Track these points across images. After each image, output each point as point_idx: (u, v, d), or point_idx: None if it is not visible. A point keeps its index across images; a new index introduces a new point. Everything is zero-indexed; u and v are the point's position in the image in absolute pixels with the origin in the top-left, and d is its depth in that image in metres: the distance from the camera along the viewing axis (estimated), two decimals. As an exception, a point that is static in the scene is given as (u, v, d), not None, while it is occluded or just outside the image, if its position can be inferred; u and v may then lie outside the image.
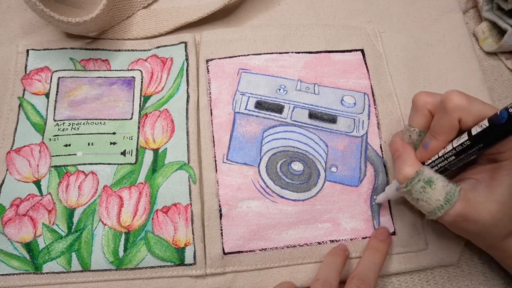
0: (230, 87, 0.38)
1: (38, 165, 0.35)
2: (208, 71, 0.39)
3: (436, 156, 0.29)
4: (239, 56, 0.40)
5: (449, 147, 0.28)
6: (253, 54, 0.40)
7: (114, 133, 0.37)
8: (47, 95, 0.38)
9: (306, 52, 0.40)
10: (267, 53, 0.40)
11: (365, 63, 0.40)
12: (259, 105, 0.38)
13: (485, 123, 0.26)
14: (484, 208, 0.27)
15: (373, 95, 0.39)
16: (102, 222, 0.34)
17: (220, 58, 0.40)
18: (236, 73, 0.39)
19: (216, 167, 0.36)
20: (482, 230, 0.28)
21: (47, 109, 0.38)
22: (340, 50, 0.40)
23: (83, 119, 0.37)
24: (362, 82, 0.39)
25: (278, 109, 0.38)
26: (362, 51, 0.40)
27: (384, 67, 0.40)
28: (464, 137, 0.27)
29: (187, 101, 0.38)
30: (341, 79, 0.39)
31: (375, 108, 0.38)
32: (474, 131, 0.27)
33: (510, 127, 0.25)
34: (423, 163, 0.30)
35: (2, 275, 0.32)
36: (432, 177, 0.28)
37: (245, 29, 0.41)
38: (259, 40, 0.40)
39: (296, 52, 0.40)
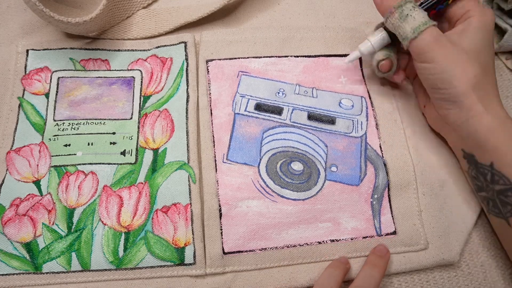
0: (230, 89, 0.39)
1: (38, 165, 0.35)
2: (208, 71, 0.39)
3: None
4: (239, 58, 0.40)
5: None
6: (253, 57, 0.40)
7: (114, 133, 0.37)
8: (47, 95, 0.38)
9: (305, 56, 0.40)
10: (267, 57, 0.40)
11: (361, 69, 0.40)
12: (259, 107, 0.38)
13: None
14: (456, 40, 0.32)
15: (370, 98, 0.39)
16: (102, 222, 0.34)
17: (220, 59, 0.40)
18: (236, 75, 0.39)
19: (216, 167, 0.36)
20: (452, 64, 0.31)
21: (47, 109, 0.38)
22: (338, 54, 0.41)
23: (83, 119, 0.37)
24: (359, 86, 0.39)
25: (278, 111, 0.38)
26: None
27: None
28: None
29: (187, 101, 0.38)
30: (338, 84, 0.39)
31: (373, 110, 0.38)
32: None
33: None
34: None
35: (2, 275, 0.32)
36: (416, 5, 0.33)
37: (245, 31, 0.41)
38: (259, 43, 0.41)
39: (295, 56, 0.40)
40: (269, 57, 0.40)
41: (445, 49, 0.31)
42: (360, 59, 0.41)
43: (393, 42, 0.36)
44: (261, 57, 0.40)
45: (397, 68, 0.37)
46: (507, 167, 0.30)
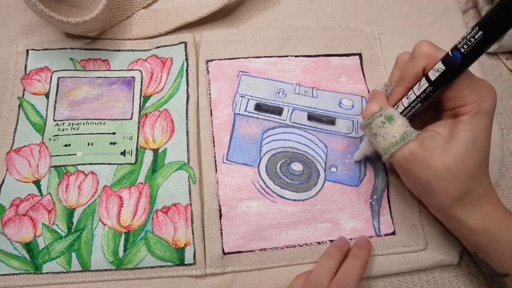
0: (230, 89, 0.38)
1: (38, 165, 0.35)
2: (208, 71, 0.39)
3: (403, 107, 0.30)
4: (239, 58, 0.40)
5: (413, 96, 0.29)
6: (253, 57, 0.40)
7: (114, 133, 0.37)
8: (47, 95, 0.38)
9: (305, 56, 0.40)
10: (267, 56, 0.40)
11: (362, 69, 0.40)
12: (259, 107, 0.38)
13: (441, 67, 0.27)
14: (438, 157, 0.28)
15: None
16: (102, 222, 0.34)
17: (220, 59, 0.40)
18: (236, 75, 0.39)
19: (216, 167, 0.36)
20: (433, 182, 0.28)
21: (47, 109, 0.37)
22: (339, 54, 0.41)
23: (83, 119, 0.37)
24: (359, 86, 0.39)
25: (278, 111, 0.38)
26: (360, 55, 0.41)
27: (382, 70, 0.40)
28: (424, 83, 0.28)
29: (187, 101, 0.38)
30: (338, 84, 0.39)
31: (373, 109, 0.38)
32: (433, 76, 0.27)
33: (465, 65, 0.26)
34: None
35: (2, 275, 0.32)
36: (394, 115, 0.29)
37: (246, 31, 0.41)
38: (259, 43, 0.41)
39: (295, 56, 0.40)
40: (269, 57, 0.40)
41: (424, 168, 0.28)
42: (360, 56, 0.40)
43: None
44: (261, 57, 0.40)
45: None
46: (490, 259, 0.30)
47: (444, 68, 0.27)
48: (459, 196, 0.28)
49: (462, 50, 0.26)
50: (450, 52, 0.26)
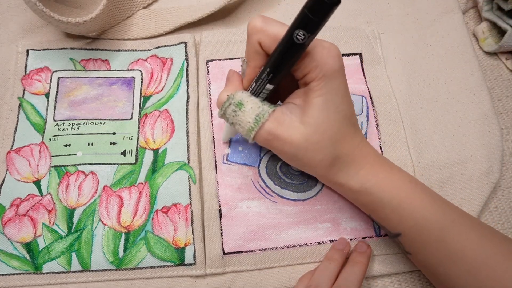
0: None
1: (38, 165, 0.35)
2: (208, 72, 0.39)
3: (254, 85, 0.29)
4: (239, 58, 0.40)
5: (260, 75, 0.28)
6: None
7: (114, 133, 0.37)
8: (47, 95, 0.38)
9: None
10: None
11: (362, 68, 0.40)
12: None
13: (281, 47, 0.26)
14: (297, 130, 0.27)
15: (371, 98, 0.39)
16: (102, 222, 0.34)
17: (220, 60, 0.40)
18: None
19: (216, 167, 0.36)
20: (299, 154, 0.28)
21: (47, 109, 0.37)
22: None
23: (83, 119, 0.37)
24: (360, 86, 0.39)
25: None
26: (360, 55, 0.40)
27: (382, 70, 0.40)
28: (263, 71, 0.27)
29: (187, 102, 0.38)
30: None
31: (373, 109, 0.38)
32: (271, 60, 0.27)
33: (303, 47, 0.25)
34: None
35: (2, 275, 0.32)
36: (243, 99, 0.28)
37: (245, 31, 0.41)
38: None
39: None
40: None
41: (285, 144, 0.28)
42: (361, 55, 0.40)
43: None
44: None
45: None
46: (381, 220, 0.30)
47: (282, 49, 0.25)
48: (329, 163, 0.28)
49: (300, 34, 0.24)
50: (293, 35, 0.25)
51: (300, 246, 0.34)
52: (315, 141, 0.27)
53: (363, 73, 0.40)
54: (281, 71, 0.27)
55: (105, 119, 0.37)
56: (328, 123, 0.27)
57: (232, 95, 0.28)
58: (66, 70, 0.39)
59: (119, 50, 0.40)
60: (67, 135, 0.36)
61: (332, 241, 0.34)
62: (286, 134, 0.27)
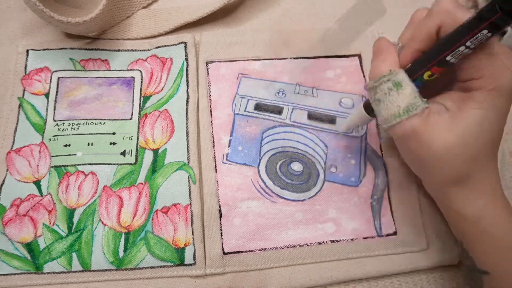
0: (230, 90, 0.39)
1: (38, 165, 0.35)
2: (208, 73, 0.39)
3: (409, 68, 0.27)
4: (238, 60, 0.40)
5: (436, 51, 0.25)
6: (253, 59, 0.40)
7: (114, 133, 0.37)
8: (47, 95, 0.38)
9: (305, 58, 0.40)
10: (266, 59, 0.40)
11: (362, 69, 0.40)
12: (259, 107, 0.38)
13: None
14: (441, 136, 0.25)
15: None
16: (102, 222, 0.34)
17: (220, 61, 0.40)
18: (236, 77, 0.39)
19: (216, 167, 0.36)
20: (431, 161, 0.26)
21: (47, 109, 0.38)
22: (338, 56, 0.41)
23: (83, 119, 0.37)
24: (359, 86, 0.39)
25: (277, 110, 0.38)
26: (359, 56, 0.40)
27: (382, 70, 0.40)
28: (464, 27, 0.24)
29: (187, 102, 0.38)
30: (338, 83, 0.39)
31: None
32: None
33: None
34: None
35: (3, 275, 0.32)
36: (403, 81, 0.25)
37: (245, 32, 0.41)
38: (259, 45, 0.41)
39: (294, 58, 0.40)
40: (269, 59, 0.40)
41: (422, 147, 0.25)
42: (360, 56, 0.40)
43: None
44: (260, 59, 0.40)
45: None
46: (475, 252, 0.27)
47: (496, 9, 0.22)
48: (456, 180, 0.26)
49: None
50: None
51: (300, 246, 0.34)
52: (455, 154, 0.25)
53: (363, 73, 0.40)
54: (448, 63, 0.24)
55: (105, 119, 0.37)
56: (476, 140, 0.25)
57: (395, 71, 0.25)
58: (66, 70, 0.39)
59: (118, 50, 0.40)
60: (67, 135, 0.36)
61: (333, 241, 0.34)
62: (428, 137, 0.25)
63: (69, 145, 0.36)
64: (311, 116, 0.38)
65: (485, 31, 0.22)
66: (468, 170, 0.26)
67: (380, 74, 0.26)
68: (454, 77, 0.27)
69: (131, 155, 0.36)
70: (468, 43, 0.23)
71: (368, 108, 0.30)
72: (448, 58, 0.24)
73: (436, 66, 0.25)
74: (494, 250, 0.26)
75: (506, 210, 0.27)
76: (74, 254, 0.33)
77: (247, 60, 0.40)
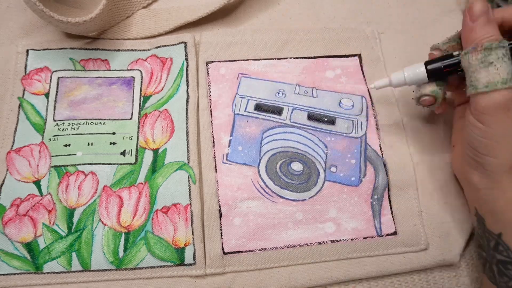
0: (230, 91, 0.39)
1: (38, 165, 0.35)
2: (208, 73, 0.39)
3: None
4: (238, 60, 0.40)
5: None
6: (253, 59, 0.40)
7: (113, 133, 0.37)
8: (46, 95, 0.38)
9: (304, 58, 0.40)
10: (266, 59, 0.40)
11: (362, 69, 0.40)
12: (259, 107, 0.38)
13: None
14: None
15: (370, 98, 0.39)
16: (102, 222, 0.34)
17: (220, 61, 0.40)
18: (236, 78, 0.39)
19: (216, 167, 0.36)
20: (509, 138, 0.26)
21: (47, 109, 0.38)
22: (338, 55, 0.41)
23: (83, 119, 0.37)
24: (359, 86, 0.39)
25: (277, 111, 0.38)
26: (359, 56, 0.41)
27: (382, 70, 0.40)
28: None
29: (187, 102, 0.38)
30: (338, 84, 0.39)
31: (373, 109, 0.38)
32: None
33: None
34: None
35: (3, 274, 0.32)
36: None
37: (245, 32, 0.41)
38: (259, 45, 0.41)
39: (294, 58, 0.40)
40: (269, 59, 0.40)
41: (507, 120, 0.26)
42: (360, 56, 0.41)
43: (445, 76, 0.31)
44: (260, 59, 0.40)
45: (441, 102, 0.32)
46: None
47: None
48: None
49: None
50: None
51: (300, 246, 0.34)
52: None
53: (363, 73, 0.40)
54: None
55: (105, 119, 0.37)
56: None
57: (506, 42, 0.26)
58: (66, 70, 0.39)
59: (118, 50, 0.40)
60: (67, 135, 0.36)
61: (333, 241, 0.34)
62: None
63: (69, 145, 0.36)
64: (311, 117, 0.38)
65: None
66: None
67: (487, 35, 0.27)
68: None
69: (131, 155, 0.36)
70: None
71: (434, 69, 0.29)
72: None
73: None
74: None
75: None
76: (74, 254, 0.33)
77: (247, 60, 0.40)
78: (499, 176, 0.28)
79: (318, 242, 0.34)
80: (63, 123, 0.37)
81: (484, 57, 0.27)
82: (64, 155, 0.36)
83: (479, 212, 0.31)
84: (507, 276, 0.29)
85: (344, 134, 0.37)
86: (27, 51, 0.40)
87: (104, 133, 0.37)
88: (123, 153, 0.36)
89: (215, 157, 0.36)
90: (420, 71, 0.31)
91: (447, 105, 0.34)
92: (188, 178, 0.35)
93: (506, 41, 0.27)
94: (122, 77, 0.39)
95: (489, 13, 0.28)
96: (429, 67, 0.31)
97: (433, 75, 0.31)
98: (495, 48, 0.26)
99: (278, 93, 0.39)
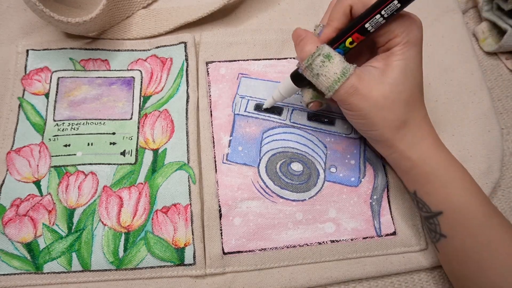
0: (230, 91, 0.39)
1: (38, 165, 0.35)
2: (208, 73, 0.39)
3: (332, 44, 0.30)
4: (239, 60, 0.40)
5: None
6: (253, 60, 0.40)
7: (113, 133, 0.37)
8: (46, 95, 0.38)
9: None
10: (266, 59, 0.40)
11: None
12: (259, 107, 0.38)
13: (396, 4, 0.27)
14: (376, 87, 0.29)
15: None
16: (102, 222, 0.34)
17: (220, 61, 0.40)
18: (236, 78, 0.39)
19: (216, 167, 0.36)
20: (373, 110, 0.29)
21: (46, 109, 0.38)
22: None
23: (83, 119, 0.37)
24: None
25: (277, 111, 0.38)
26: None
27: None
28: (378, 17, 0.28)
29: (187, 102, 0.38)
30: None
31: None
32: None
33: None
34: None
35: (3, 275, 0.32)
36: (331, 52, 0.30)
37: (245, 32, 0.41)
38: (259, 45, 0.41)
39: (294, 58, 0.40)
40: (269, 59, 0.40)
41: (364, 99, 0.29)
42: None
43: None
44: (260, 59, 0.40)
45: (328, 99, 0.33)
46: (426, 195, 0.31)
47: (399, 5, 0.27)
48: (398, 125, 0.30)
49: None
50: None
51: (300, 246, 0.34)
52: (392, 99, 0.29)
53: None
54: (367, 31, 0.29)
55: (104, 119, 0.37)
56: (404, 85, 0.30)
57: (322, 47, 0.30)
58: (66, 70, 0.39)
59: (118, 50, 0.40)
60: (67, 135, 0.36)
61: (333, 241, 0.34)
62: (366, 89, 0.29)
63: (69, 145, 0.36)
64: (311, 117, 0.38)
65: (395, 2, 0.27)
66: (405, 113, 0.30)
67: (309, 52, 0.30)
68: (375, 49, 0.32)
69: (131, 155, 0.36)
70: (382, 12, 0.28)
71: (295, 78, 0.33)
72: (366, 25, 0.29)
73: (357, 33, 0.29)
74: (443, 189, 0.30)
75: (446, 151, 0.31)
76: (74, 254, 0.33)
77: (247, 60, 0.40)
78: (390, 142, 0.31)
79: (318, 242, 0.34)
80: (63, 123, 0.37)
81: (310, 72, 0.30)
82: (64, 155, 0.36)
83: (399, 176, 0.34)
84: (434, 231, 0.31)
85: (344, 135, 0.37)
86: (27, 51, 0.40)
87: (104, 133, 0.37)
88: (123, 153, 0.36)
89: (215, 157, 0.36)
90: (288, 83, 0.34)
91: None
92: (188, 178, 0.35)
93: (322, 46, 0.30)
94: (122, 77, 0.39)
95: (306, 35, 0.31)
96: (291, 76, 0.33)
97: (298, 83, 0.33)
98: (313, 61, 0.30)
99: (278, 93, 0.39)
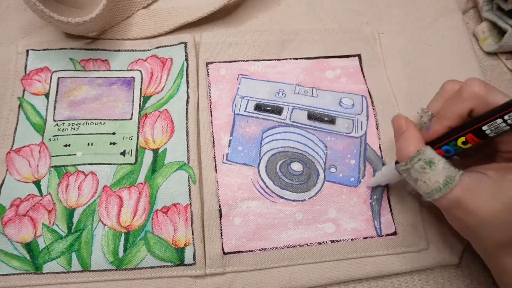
0: (230, 91, 0.39)
1: (38, 165, 0.35)
2: (208, 74, 0.39)
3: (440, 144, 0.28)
4: (239, 61, 0.40)
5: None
6: (253, 60, 0.40)
7: (113, 133, 0.37)
8: (46, 95, 0.38)
9: (304, 58, 0.40)
10: (266, 60, 0.40)
11: (361, 69, 0.40)
12: (259, 107, 0.38)
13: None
14: (486, 203, 0.25)
15: (370, 98, 0.39)
16: (102, 222, 0.34)
17: (220, 62, 0.40)
18: (236, 78, 0.39)
19: (216, 167, 0.36)
20: (479, 228, 0.26)
21: (46, 109, 0.38)
22: (338, 56, 0.41)
23: (83, 119, 0.37)
24: (359, 86, 0.39)
25: (277, 110, 0.38)
26: (359, 56, 0.41)
27: (382, 70, 0.40)
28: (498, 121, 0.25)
29: (187, 102, 0.38)
30: (338, 83, 0.39)
31: (373, 109, 0.38)
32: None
33: None
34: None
35: (3, 275, 0.32)
36: (434, 158, 0.26)
37: (245, 33, 0.41)
38: (259, 46, 0.41)
39: (294, 59, 0.40)
40: (269, 60, 0.40)
41: (469, 214, 0.26)
42: (359, 56, 0.41)
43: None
44: (260, 60, 0.40)
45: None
46: None
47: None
48: (505, 243, 0.26)
49: None
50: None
51: (300, 246, 0.34)
52: (503, 220, 0.25)
53: (363, 73, 0.40)
54: (485, 134, 0.26)
55: (105, 119, 0.37)
56: None
57: (422, 151, 0.27)
58: (66, 70, 0.39)
59: (118, 50, 0.40)
60: (67, 135, 0.36)
61: (333, 241, 0.34)
62: (473, 205, 0.25)
63: (69, 145, 0.36)
64: (311, 116, 0.38)
65: None
66: None
67: (408, 155, 0.27)
68: (496, 150, 0.28)
69: (131, 155, 0.36)
70: (506, 117, 0.24)
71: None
72: (484, 128, 0.25)
73: (471, 134, 0.26)
74: None
75: None
76: (73, 254, 0.33)
77: (247, 61, 0.40)
78: (491, 255, 0.28)
79: (318, 242, 0.34)
80: (63, 123, 0.37)
81: (408, 176, 0.28)
82: (64, 155, 0.36)
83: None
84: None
85: (344, 134, 0.37)
86: (27, 51, 0.40)
87: (104, 133, 0.37)
88: (123, 153, 0.36)
89: (215, 157, 0.36)
90: (390, 168, 0.32)
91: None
92: (188, 178, 0.35)
93: (423, 150, 0.27)
94: (122, 77, 0.39)
95: (408, 128, 0.28)
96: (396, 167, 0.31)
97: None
98: (412, 166, 0.27)
99: (278, 93, 0.39)
